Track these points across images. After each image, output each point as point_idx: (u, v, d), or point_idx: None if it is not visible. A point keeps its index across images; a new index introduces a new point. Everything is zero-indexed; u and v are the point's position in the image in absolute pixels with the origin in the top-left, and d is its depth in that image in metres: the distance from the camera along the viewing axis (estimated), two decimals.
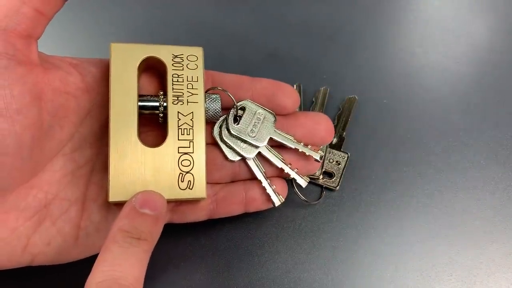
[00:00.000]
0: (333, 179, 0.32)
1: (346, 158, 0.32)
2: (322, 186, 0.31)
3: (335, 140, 0.33)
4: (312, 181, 0.32)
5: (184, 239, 0.29)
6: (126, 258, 0.20)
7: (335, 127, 0.33)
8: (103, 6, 0.39)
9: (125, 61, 0.25)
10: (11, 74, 0.21)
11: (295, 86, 0.35)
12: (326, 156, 0.32)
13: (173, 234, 0.29)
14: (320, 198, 0.31)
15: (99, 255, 0.20)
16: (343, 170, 0.32)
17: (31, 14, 0.21)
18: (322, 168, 0.32)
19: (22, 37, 0.21)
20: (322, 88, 0.35)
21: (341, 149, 0.33)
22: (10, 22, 0.21)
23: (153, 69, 0.27)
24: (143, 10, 0.39)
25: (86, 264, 0.25)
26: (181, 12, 0.39)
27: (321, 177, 0.32)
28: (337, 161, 0.32)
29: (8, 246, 0.23)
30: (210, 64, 0.30)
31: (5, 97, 0.20)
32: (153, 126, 0.27)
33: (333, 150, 0.33)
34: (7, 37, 0.21)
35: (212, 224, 0.29)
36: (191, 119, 0.26)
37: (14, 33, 0.21)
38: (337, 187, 0.31)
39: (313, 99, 0.35)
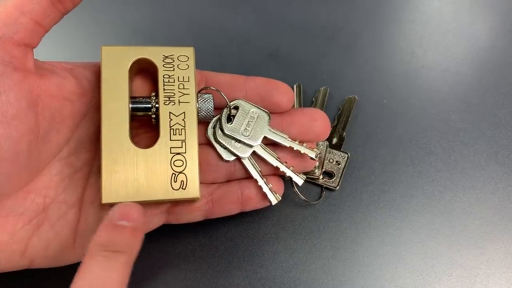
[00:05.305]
0: (333, 179, 0.32)
1: (346, 158, 0.32)
2: (322, 186, 0.31)
3: (335, 140, 0.33)
4: (312, 181, 0.32)
5: (183, 239, 0.29)
6: (104, 272, 0.20)
7: (335, 127, 0.33)
8: (105, 6, 0.39)
9: (116, 63, 0.26)
10: (7, 80, 0.21)
11: (295, 86, 0.35)
12: (326, 156, 0.32)
13: (173, 234, 0.29)
14: (320, 198, 0.31)
15: (77, 271, 0.20)
16: (343, 170, 0.32)
17: (29, 25, 0.22)
18: (322, 168, 0.32)
19: (18, 45, 0.22)
20: (322, 88, 0.35)
21: (341, 149, 0.33)
22: (7, 31, 0.21)
23: (146, 71, 0.28)
24: (143, 11, 0.39)
25: None
26: (181, 12, 0.39)
27: (321, 177, 0.32)
28: (337, 161, 0.32)
29: (7, 250, 0.23)
30: (210, 64, 0.31)
31: (1, 103, 0.21)
32: (147, 127, 0.27)
33: (333, 150, 0.33)
34: (4, 45, 0.21)
35: (212, 224, 0.29)
36: (183, 119, 0.26)
37: (11, 41, 0.21)
38: (337, 187, 0.31)
39: (313, 99, 0.35)
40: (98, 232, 0.21)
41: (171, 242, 0.29)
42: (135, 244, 0.21)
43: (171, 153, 0.25)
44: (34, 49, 0.23)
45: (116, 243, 0.20)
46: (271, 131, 0.28)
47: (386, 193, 0.31)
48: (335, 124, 0.34)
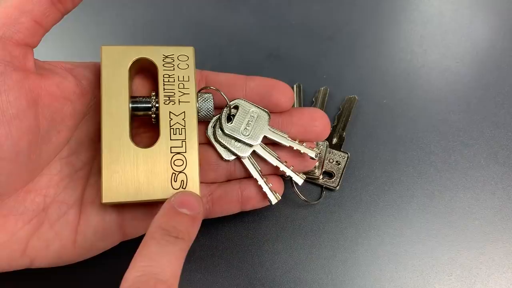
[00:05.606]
0: (333, 179, 0.32)
1: (346, 158, 0.32)
2: (322, 186, 0.31)
3: (335, 140, 0.33)
4: (312, 181, 0.32)
5: None
6: (164, 255, 0.20)
7: (335, 127, 0.33)
8: (105, 6, 0.39)
9: (116, 63, 0.26)
10: (7, 80, 0.21)
11: (295, 86, 0.35)
12: (326, 156, 0.32)
13: None
14: (320, 198, 0.31)
15: (137, 250, 0.21)
16: (343, 170, 0.32)
17: (29, 25, 0.22)
18: (322, 168, 0.32)
19: (18, 45, 0.22)
20: (322, 88, 0.35)
21: (341, 149, 0.33)
22: (7, 30, 0.21)
23: (146, 71, 0.28)
24: (143, 11, 0.39)
25: (85, 267, 0.26)
26: (181, 12, 0.39)
27: (321, 177, 0.32)
28: (337, 161, 0.32)
29: (7, 249, 0.23)
30: (210, 64, 0.31)
31: (2, 102, 0.21)
32: (148, 127, 0.27)
33: (333, 150, 0.33)
34: (4, 45, 0.21)
35: (212, 224, 0.29)
36: (183, 119, 0.26)
37: (11, 41, 0.21)
38: (337, 187, 0.31)
39: (313, 99, 0.35)
40: (159, 216, 0.22)
41: None
42: (193, 232, 0.22)
43: (171, 152, 0.25)
44: (34, 49, 0.23)
45: (178, 229, 0.21)
46: (271, 130, 0.28)
47: (386, 193, 0.31)
48: (335, 124, 0.34)
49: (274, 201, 0.28)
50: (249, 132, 0.28)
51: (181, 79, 0.26)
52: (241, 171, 0.28)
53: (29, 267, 0.24)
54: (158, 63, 0.26)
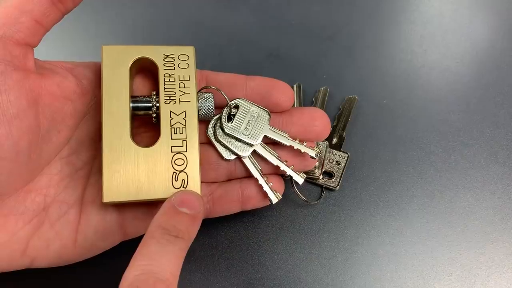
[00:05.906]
0: (333, 179, 0.32)
1: (346, 158, 0.32)
2: (322, 186, 0.31)
3: (335, 140, 0.33)
4: (312, 181, 0.32)
5: None
6: (163, 254, 0.20)
7: (335, 127, 0.33)
8: (105, 6, 0.39)
9: (117, 63, 0.26)
10: (7, 80, 0.21)
11: (295, 86, 0.35)
12: (326, 156, 0.32)
13: None
14: (320, 198, 0.31)
15: (137, 249, 0.21)
16: (343, 170, 0.32)
17: (29, 24, 0.22)
18: (322, 168, 0.32)
19: (19, 44, 0.22)
20: (322, 88, 0.35)
21: (341, 149, 0.33)
22: (8, 30, 0.21)
23: (147, 70, 0.28)
24: (143, 11, 0.39)
25: (85, 266, 0.26)
26: (181, 12, 0.39)
27: (321, 177, 0.32)
28: (337, 161, 0.32)
29: (7, 249, 0.23)
30: (210, 64, 0.31)
31: (2, 102, 0.21)
32: (148, 127, 0.27)
33: (333, 150, 0.33)
34: (4, 44, 0.21)
35: (212, 224, 0.29)
36: (183, 118, 0.26)
37: (11, 41, 0.21)
38: (337, 187, 0.31)
39: (313, 99, 0.35)
40: (159, 215, 0.22)
41: None
42: (193, 232, 0.22)
43: (172, 152, 0.25)
44: (34, 49, 0.23)
45: (178, 228, 0.21)
46: (271, 130, 0.28)
47: (386, 193, 0.31)
48: (335, 124, 0.34)
49: (274, 200, 0.28)
50: (250, 131, 0.28)
51: (181, 78, 0.26)
52: (241, 171, 0.28)
53: (30, 267, 0.24)
54: (159, 62, 0.26)
